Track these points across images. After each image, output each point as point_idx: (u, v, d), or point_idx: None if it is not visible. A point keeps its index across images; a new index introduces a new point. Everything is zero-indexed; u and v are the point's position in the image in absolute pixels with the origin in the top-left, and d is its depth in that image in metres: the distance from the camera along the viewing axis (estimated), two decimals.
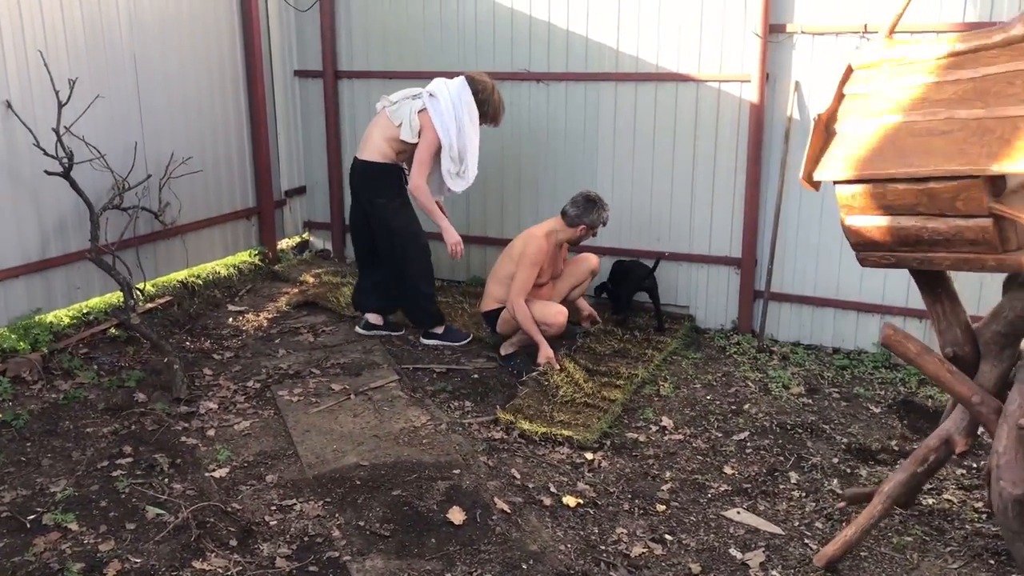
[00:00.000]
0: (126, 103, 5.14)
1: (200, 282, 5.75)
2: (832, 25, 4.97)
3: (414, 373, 4.74)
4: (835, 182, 2.85)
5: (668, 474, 3.77)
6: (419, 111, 4.86)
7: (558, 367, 4.63)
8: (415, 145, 4.88)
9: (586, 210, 4.85)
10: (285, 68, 6.43)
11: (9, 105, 4.43)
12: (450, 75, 5.92)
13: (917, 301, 5.06)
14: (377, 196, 4.97)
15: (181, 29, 5.47)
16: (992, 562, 3.10)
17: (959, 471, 3.79)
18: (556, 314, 4.73)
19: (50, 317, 4.82)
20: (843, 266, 5.22)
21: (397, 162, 4.98)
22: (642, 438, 4.09)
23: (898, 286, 5.11)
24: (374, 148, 4.94)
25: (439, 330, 5.19)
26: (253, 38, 5.99)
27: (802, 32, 5.05)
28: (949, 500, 3.53)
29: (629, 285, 5.44)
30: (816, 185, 2.94)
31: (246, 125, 6.11)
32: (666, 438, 4.10)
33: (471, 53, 5.91)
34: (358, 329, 5.26)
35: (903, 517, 3.43)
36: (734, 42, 5.22)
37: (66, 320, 4.88)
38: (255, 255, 6.34)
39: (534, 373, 4.64)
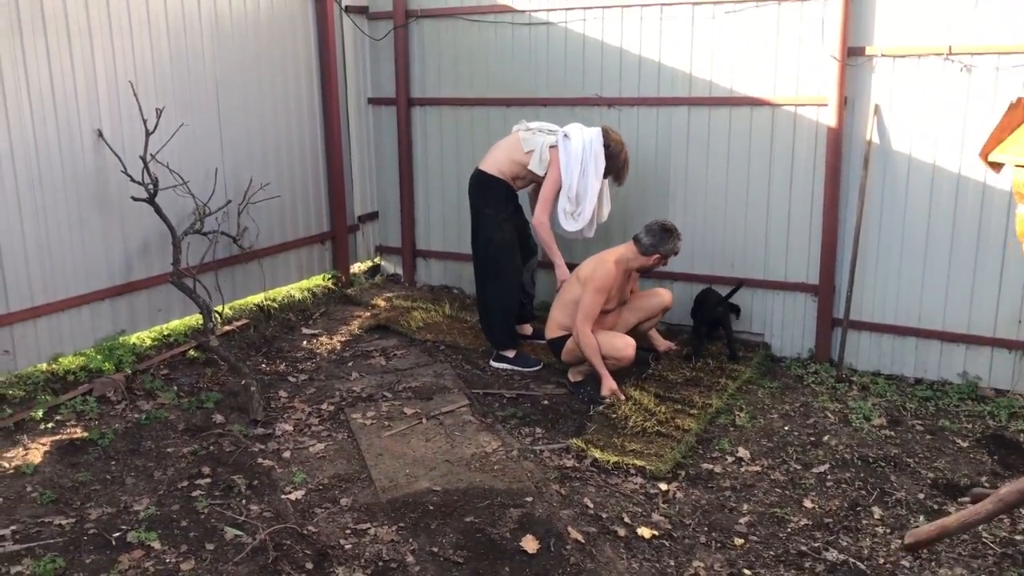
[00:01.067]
0: (208, 131, 5.30)
1: (275, 305, 5.86)
2: (914, 47, 4.86)
3: (484, 398, 4.73)
4: (1016, 165, 2.74)
5: (746, 507, 3.68)
6: (551, 146, 5.04)
7: (623, 398, 4.56)
8: (536, 175, 5.08)
9: (662, 240, 4.77)
10: (359, 96, 6.56)
11: (100, 134, 4.61)
12: (522, 102, 6.00)
13: (1004, 331, 4.89)
14: (486, 207, 5.16)
15: (261, 59, 5.63)
16: None
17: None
18: (625, 347, 4.65)
19: (133, 339, 4.97)
20: (925, 294, 5.06)
21: (512, 182, 5.16)
22: (718, 469, 4.00)
23: (985, 315, 4.93)
24: (495, 163, 5.14)
25: (510, 354, 5.20)
26: (329, 67, 6.12)
27: (882, 55, 4.94)
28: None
29: (703, 314, 5.36)
30: (995, 167, 2.82)
31: (321, 151, 6.24)
32: (743, 469, 4.01)
33: (543, 79, 5.94)
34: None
35: (996, 557, 3.27)
36: (811, 65, 5.13)
37: (148, 342, 5.02)
38: (328, 279, 6.45)
39: (604, 402, 4.59)
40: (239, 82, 5.48)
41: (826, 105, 5.10)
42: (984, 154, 2.80)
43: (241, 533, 3.27)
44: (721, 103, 5.42)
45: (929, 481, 3.88)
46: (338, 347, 5.46)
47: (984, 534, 3.44)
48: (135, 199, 4.66)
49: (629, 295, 5.10)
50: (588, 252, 5.86)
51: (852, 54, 5.00)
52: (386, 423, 4.34)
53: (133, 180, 4.62)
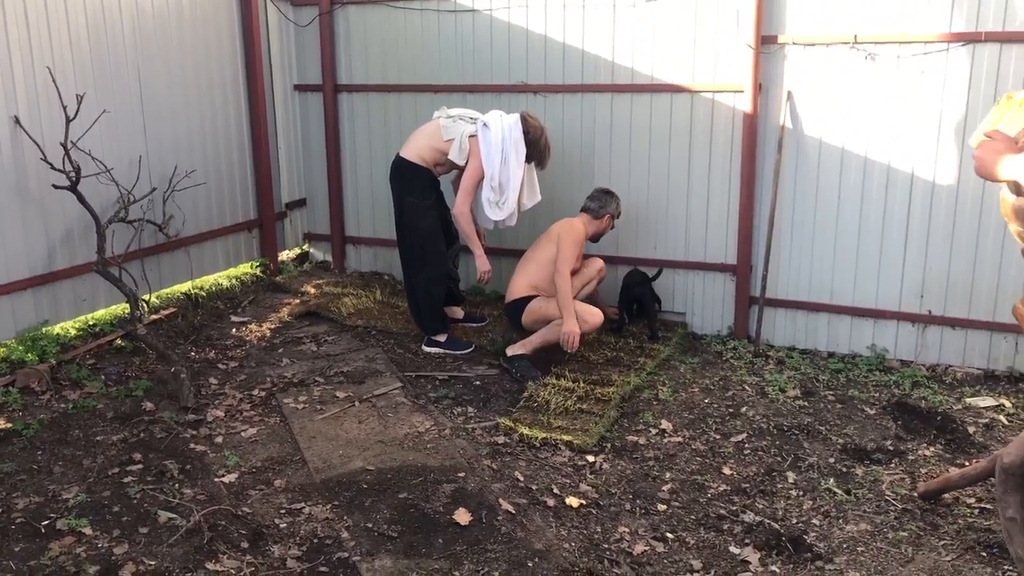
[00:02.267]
0: (130, 118, 5.23)
1: (203, 294, 5.83)
2: (823, 36, 5.09)
3: (417, 380, 4.81)
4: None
5: (668, 475, 3.85)
6: (470, 136, 5.05)
7: (574, 348, 4.75)
8: (456, 165, 5.13)
9: (606, 201, 5.24)
10: (285, 82, 6.53)
11: (17, 121, 4.52)
12: (449, 89, 6.06)
13: (908, 305, 5.19)
14: (409, 194, 5.17)
15: (184, 45, 5.57)
16: (984, 554, 3.18)
17: (952, 469, 3.87)
18: (594, 313, 4.91)
19: (57, 329, 4.89)
20: (836, 271, 5.32)
21: (433, 169, 5.18)
22: (642, 441, 4.17)
23: (891, 291, 5.22)
24: (416, 150, 5.15)
25: (442, 338, 5.27)
26: (254, 53, 6.09)
27: (793, 43, 5.16)
28: (943, 497, 3.61)
29: (626, 293, 5.53)
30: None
31: (247, 138, 6.21)
32: (665, 440, 4.18)
33: (469, 67, 6.01)
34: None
35: (898, 513, 3.51)
36: (727, 53, 5.33)
37: (73, 332, 4.95)
38: (256, 267, 6.42)
39: (537, 378, 4.72)
40: (162, 69, 5.42)
41: (742, 92, 5.30)
42: (975, 142, 2.91)
43: (175, 516, 3.30)
44: (642, 90, 5.58)
45: (839, 447, 4.12)
46: (268, 334, 5.46)
47: (887, 493, 3.68)
48: (56, 187, 4.59)
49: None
50: (517, 238, 6.00)
51: (766, 42, 5.21)
52: (319, 407, 4.39)
53: (54, 168, 4.54)
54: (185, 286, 5.78)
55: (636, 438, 4.19)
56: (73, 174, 4.56)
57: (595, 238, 5.35)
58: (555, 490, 3.66)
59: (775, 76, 5.26)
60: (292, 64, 6.57)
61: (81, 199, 4.66)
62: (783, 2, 5.15)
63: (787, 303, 5.50)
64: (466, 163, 5.09)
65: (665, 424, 4.33)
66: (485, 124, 5.06)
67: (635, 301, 5.53)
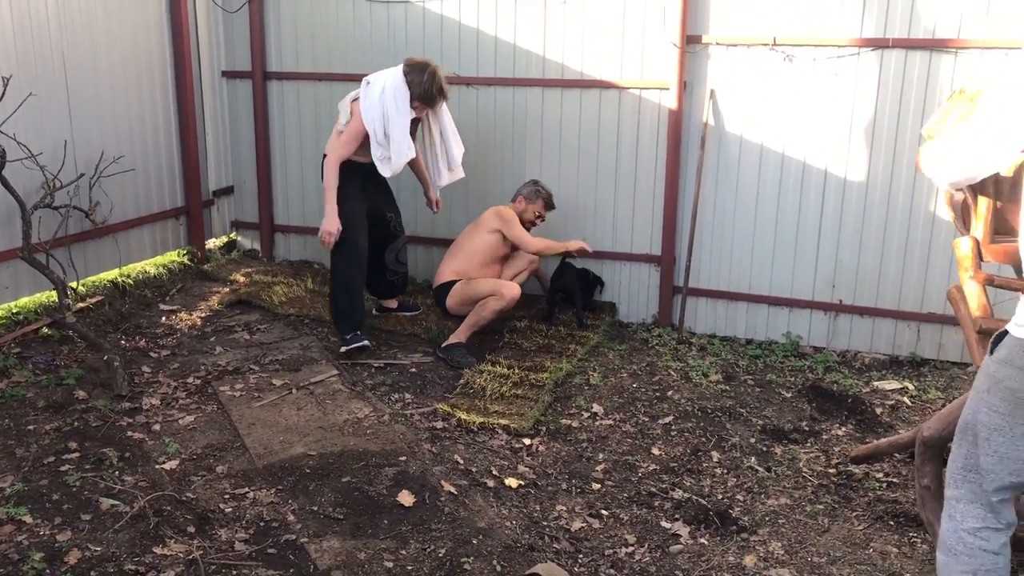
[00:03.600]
0: (55, 102, 5.11)
1: (131, 282, 5.73)
2: (744, 37, 5.33)
3: (353, 368, 4.87)
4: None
5: (601, 456, 4.03)
6: (353, 100, 4.94)
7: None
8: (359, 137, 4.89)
9: (537, 187, 5.52)
10: (213, 68, 6.45)
11: None
12: None
13: (821, 295, 5.50)
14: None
15: (110, 28, 5.46)
16: (892, 523, 3.46)
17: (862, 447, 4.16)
18: (511, 287, 5.12)
19: None
20: (754, 263, 5.60)
21: (351, 157, 4.92)
22: (575, 424, 4.34)
23: (805, 281, 5.52)
24: (329, 143, 5.02)
25: (348, 335, 5.01)
26: (182, 38, 6.00)
27: (716, 44, 5.40)
28: (853, 471, 3.89)
29: (556, 283, 5.70)
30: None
31: (175, 125, 6.12)
32: (597, 423, 4.36)
33: (401, 57, 6.02)
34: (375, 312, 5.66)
35: (814, 488, 3.77)
36: (654, 51, 5.53)
37: None
38: (184, 255, 6.34)
39: (471, 365, 4.85)
40: (87, 52, 5.30)
41: (668, 89, 5.51)
42: (927, 135, 3.10)
43: (118, 503, 3.30)
44: (572, 85, 5.74)
45: (759, 427, 4.37)
46: (199, 323, 5.42)
47: (804, 470, 3.94)
48: None
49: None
50: (451, 227, 6.09)
51: (691, 42, 5.42)
52: (256, 394, 4.41)
53: None
54: (112, 274, 5.68)
55: (570, 421, 4.36)
56: None
57: (530, 224, 5.54)
58: (494, 472, 3.79)
59: (699, 74, 5.49)
60: (220, 50, 6.49)
61: (5, 184, 4.54)
62: (707, 3, 5.38)
63: (708, 292, 5.75)
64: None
65: (596, 408, 4.51)
66: (368, 82, 4.90)
67: (561, 291, 5.69)
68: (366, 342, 4.97)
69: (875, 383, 4.98)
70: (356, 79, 6.09)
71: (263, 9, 6.31)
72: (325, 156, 4.95)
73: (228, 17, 6.41)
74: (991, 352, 2.35)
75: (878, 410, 4.60)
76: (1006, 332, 2.31)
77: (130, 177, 5.67)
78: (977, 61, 4.95)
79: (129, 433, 3.90)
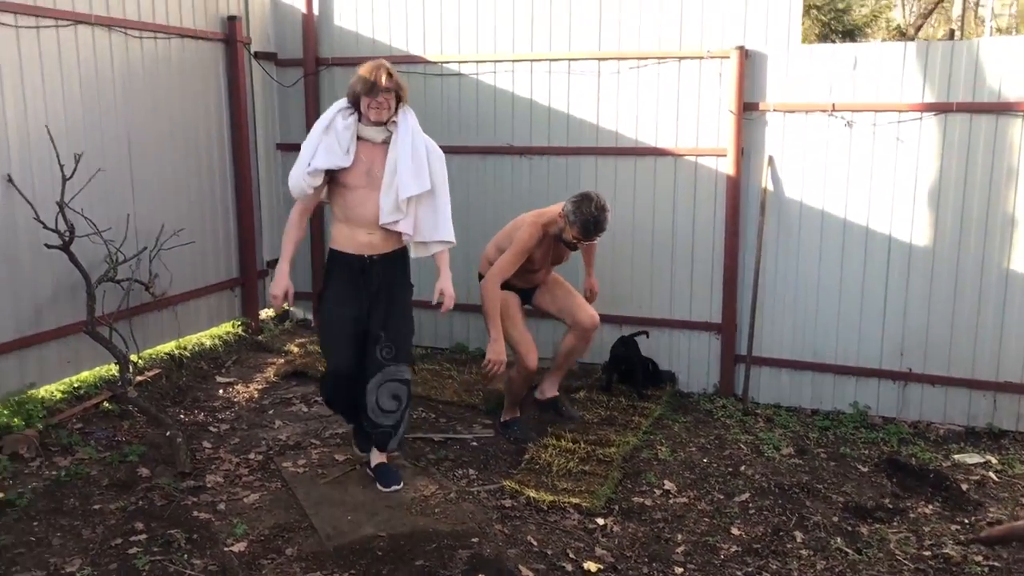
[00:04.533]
0: (120, 177, 5.17)
1: (187, 354, 5.71)
2: (802, 103, 5.30)
3: (414, 442, 4.77)
4: None
5: (680, 536, 3.87)
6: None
7: (498, 371, 4.34)
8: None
9: (579, 209, 4.43)
10: (268, 141, 6.53)
11: (10, 179, 4.43)
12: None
13: (889, 363, 5.34)
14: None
15: (172, 104, 5.55)
16: None
17: (953, 527, 3.97)
18: (528, 352, 4.58)
19: (42, 392, 4.74)
20: (819, 331, 5.47)
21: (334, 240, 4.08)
22: (648, 502, 4.19)
23: (872, 348, 5.37)
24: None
25: None
26: (240, 112, 6.09)
27: (774, 110, 5.37)
28: (950, 555, 3.70)
29: (610, 361, 5.60)
30: None
31: (231, 197, 6.17)
32: (671, 501, 4.21)
33: (455, 128, 6.09)
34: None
35: (911, 572, 3.58)
36: (710, 118, 5.51)
37: (58, 395, 4.80)
38: (238, 326, 6.33)
39: (534, 440, 4.73)
40: (150, 127, 5.38)
41: (725, 155, 5.47)
42: None
43: None
44: (626, 153, 5.72)
45: (840, 505, 4.19)
46: (256, 395, 5.37)
47: (897, 552, 3.75)
48: (49, 247, 4.49)
49: (562, 259, 4.92)
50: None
51: (747, 109, 5.40)
52: (319, 471, 4.31)
53: (46, 227, 4.46)
54: (168, 346, 5.66)
55: (642, 499, 4.21)
56: (67, 233, 4.48)
57: (566, 243, 4.62)
58: (571, 554, 3.65)
59: (757, 141, 5.45)
60: (275, 123, 6.57)
61: (73, 259, 4.57)
62: (764, 70, 5.36)
63: (771, 361, 5.61)
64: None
65: (668, 484, 4.36)
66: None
67: (621, 362, 5.57)
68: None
69: (955, 456, 4.79)
70: None
71: (318, 83, 6.40)
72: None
73: (283, 91, 6.51)
74: None
75: (964, 486, 4.40)
76: None
77: (187, 249, 5.70)
78: None
79: (195, 513, 3.81)
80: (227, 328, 6.26)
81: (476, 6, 5.90)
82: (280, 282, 3.97)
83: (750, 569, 3.61)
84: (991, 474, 4.55)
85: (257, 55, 6.28)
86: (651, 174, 5.70)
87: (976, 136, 5.03)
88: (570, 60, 5.73)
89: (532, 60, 5.81)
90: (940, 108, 5.07)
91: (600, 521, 3.96)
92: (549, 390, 5.06)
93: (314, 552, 3.55)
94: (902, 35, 13.45)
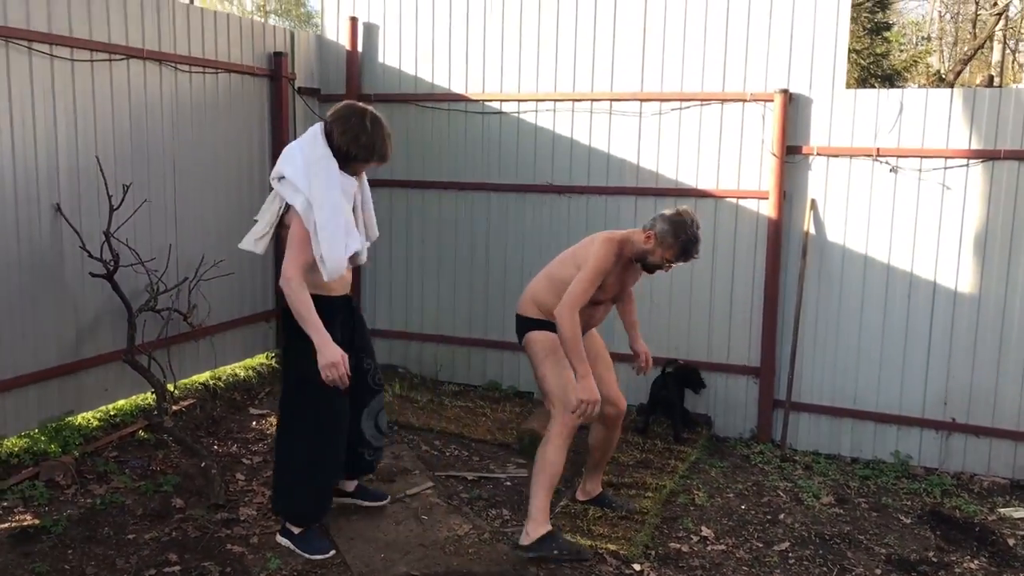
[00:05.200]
0: (164, 208, 5.23)
1: (221, 384, 5.73)
2: (846, 147, 5.27)
3: (447, 480, 4.72)
4: None
5: None
6: (280, 211, 3.64)
7: (593, 411, 3.70)
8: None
9: (676, 230, 3.81)
10: None
11: (59, 208, 4.51)
12: (474, 187, 6.15)
13: (931, 412, 5.23)
14: (299, 338, 3.61)
15: (217, 137, 5.63)
16: None
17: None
18: (594, 391, 3.69)
19: (79, 419, 4.77)
20: (860, 377, 5.37)
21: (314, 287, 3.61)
22: (685, 549, 4.10)
23: (914, 397, 5.26)
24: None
25: (296, 529, 3.80)
26: (282, 146, 6.12)
27: (817, 154, 5.33)
28: None
29: (650, 399, 5.54)
30: None
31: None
32: (709, 548, 4.11)
33: (495, 165, 6.12)
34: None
35: None
36: (752, 161, 5.49)
37: (94, 422, 4.83)
38: (271, 357, 6.35)
39: (583, 558, 3.87)
40: (194, 158, 5.46)
41: (767, 198, 5.44)
42: None
43: None
44: (666, 193, 5.70)
45: (883, 557, 4.07)
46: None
47: None
48: (94, 275, 4.55)
49: (629, 291, 4.30)
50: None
51: (790, 152, 5.37)
52: (352, 506, 4.28)
53: (91, 256, 4.52)
54: (203, 376, 5.68)
55: (679, 545, 4.12)
56: (112, 263, 4.53)
57: (645, 265, 3.98)
58: None
59: (799, 184, 5.41)
60: None
61: (116, 288, 4.61)
62: (808, 114, 5.34)
63: (810, 407, 5.51)
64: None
65: (706, 531, 4.27)
66: (281, 177, 3.56)
67: (660, 404, 5.51)
68: (332, 551, 3.77)
69: (1000, 510, 4.66)
70: (450, 187, 6.21)
71: None
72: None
73: None
74: None
75: (1010, 541, 4.27)
76: None
77: (225, 280, 5.73)
78: None
79: (228, 546, 3.79)
80: (260, 360, 6.27)
81: (519, 44, 5.95)
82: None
83: None
84: None
85: (301, 90, 6.36)
86: None
87: None
88: (612, 100, 5.75)
89: (574, 100, 5.83)
90: (987, 155, 5.01)
91: (637, 567, 3.88)
92: (593, 488, 4.42)
93: None
94: (941, 80, 13.38)
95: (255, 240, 3.70)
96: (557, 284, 3.91)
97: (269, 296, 6.30)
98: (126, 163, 4.92)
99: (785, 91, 5.30)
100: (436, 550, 3.88)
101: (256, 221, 3.72)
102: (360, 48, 6.37)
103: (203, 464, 4.40)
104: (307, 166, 3.49)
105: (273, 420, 5.45)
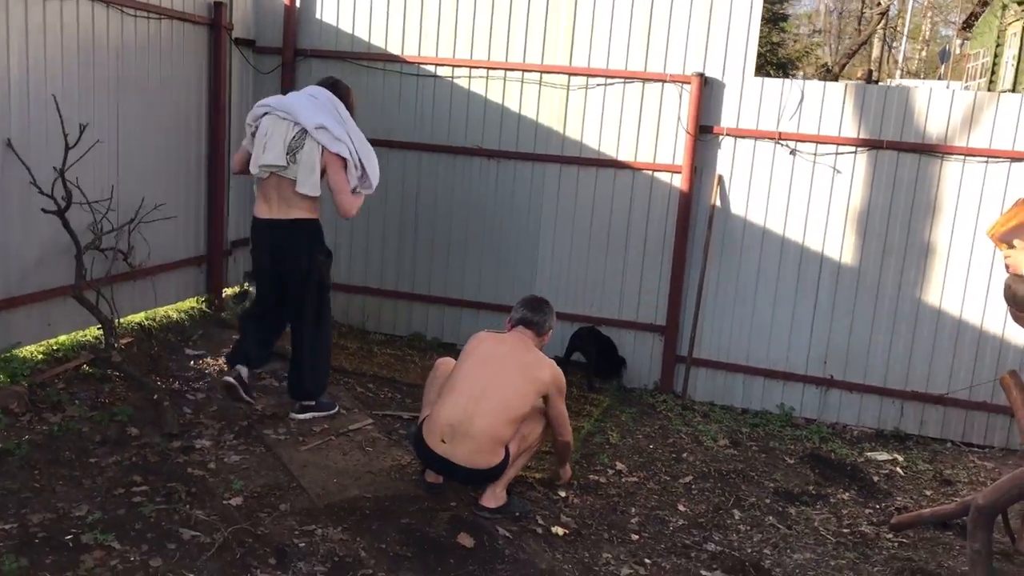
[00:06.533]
0: (108, 149, 5.32)
1: (156, 325, 5.87)
2: (752, 130, 5.85)
3: (384, 419, 5.08)
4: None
5: (633, 509, 4.31)
6: (320, 155, 4.47)
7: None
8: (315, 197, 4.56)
9: (550, 312, 4.22)
10: (242, 124, 6.70)
11: (9, 143, 4.57)
12: (405, 145, 6.42)
13: (813, 369, 5.93)
14: (319, 252, 4.70)
15: (159, 80, 5.71)
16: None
17: (867, 511, 4.53)
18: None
19: (23, 352, 4.87)
20: (753, 338, 6.02)
21: (317, 216, 4.67)
22: (603, 480, 4.62)
23: (799, 356, 5.95)
24: (302, 205, 4.58)
25: (326, 398, 4.98)
26: (220, 96, 6.28)
27: (727, 135, 5.90)
28: (865, 532, 4.25)
29: (567, 345, 6.04)
30: (996, 241, 3.51)
31: (204, 176, 6.35)
32: (623, 480, 4.65)
33: (428, 127, 6.42)
34: (228, 379, 4.71)
35: (834, 545, 4.11)
36: (667, 137, 6.01)
37: (39, 356, 4.93)
38: (203, 302, 6.50)
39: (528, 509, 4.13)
40: (137, 101, 5.54)
41: (680, 172, 5.98)
42: (991, 234, 3.48)
43: (198, 534, 3.45)
44: (589, 164, 6.17)
45: (771, 489, 4.71)
46: (226, 368, 5.56)
47: (820, 529, 4.28)
48: (46, 211, 4.64)
49: None
50: (465, 291, 6.38)
51: (703, 131, 5.92)
52: (300, 438, 4.59)
53: (42, 192, 4.60)
54: (139, 317, 5.81)
55: (597, 477, 4.64)
56: (64, 200, 4.63)
57: None
58: (540, 520, 4.04)
59: (709, 161, 5.98)
60: (250, 107, 6.74)
61: (67, 225, 4.71)
62: (720, 97, 5.89)
63: (709, 363, 6.14)
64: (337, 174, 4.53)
65: (620, 465, 4.80)
66: (322, 127, 4.46)
67: (578, 351, 6.01)
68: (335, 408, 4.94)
69: (867, 454, 5.39)
70: (384, 145, 6.46)
71: (295, 72, 6.64)
72: (337, 204, 4.63)
73: (259, 77, 6.72)
74: None
75: (875, 478, 4.99)
76: None
77: (160, 224, 5.85)
78: (960, 167, 5.53)
79: (189, 470, 4.05)
80: (192, 303, 6.42)
81: (455, 10, 6.25)
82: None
83: (696, 538, 4.07)
84: (898, 469, 5.16)
85: (237, 41, 6.47)
86: (610, 184, 6.16)
87: (901, 172, 5.67)
88: (542, 72, 6.15)
89: (506, 68, 6.20)
90: (872, 144, 5.68)
91: (562, 493, 4.36)
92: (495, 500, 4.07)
93: (306, 508, 3.84)
94: (828, 72, 14.39)
95: (313, 185, 4.55)
96: (516, 418, 3.92)
97: (202, 242, 6.44)
98: (72, 103, 4.98)
99: (701, 75, 5.83)
100: (383, 476, 4.25)
101: (286, 166, 4.53)
102: (298, 3, 6.52)
103: (155, 396, 4.60)
104: (344, 121, 4.60)
105: (210, 361, 5.65)
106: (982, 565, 3.39)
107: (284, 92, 6.53)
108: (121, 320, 5.54)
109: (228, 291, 6.95)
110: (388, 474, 4.28)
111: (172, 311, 6.18)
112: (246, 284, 7.09)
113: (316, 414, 4.89)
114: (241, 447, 4.42)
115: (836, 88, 5.79)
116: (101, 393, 4.78)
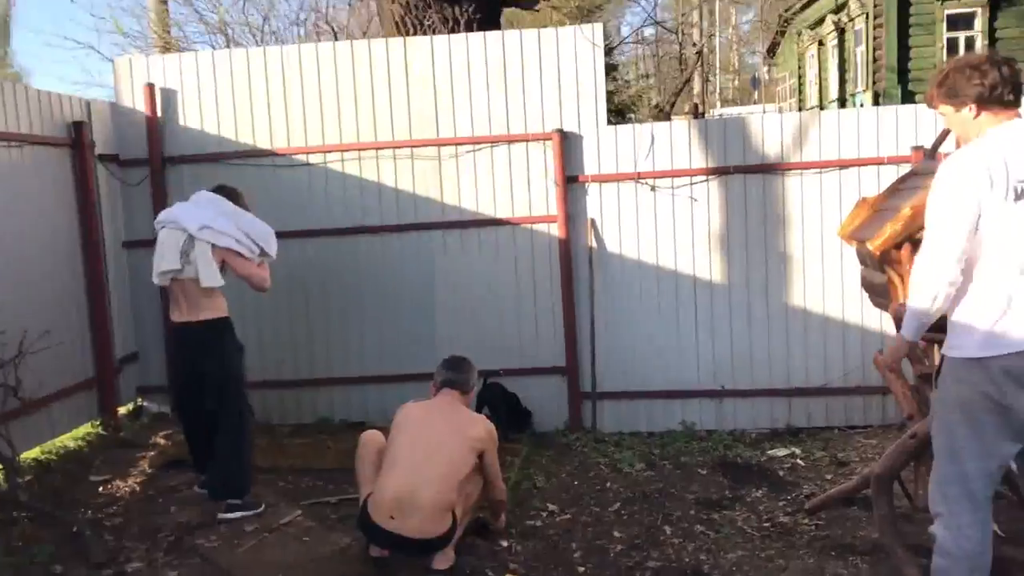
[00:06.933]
0: None
1: (54, 457, 5.67)
2: (613, 174, 6.30)
3: (312, 507, 5.09)
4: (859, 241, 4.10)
5: (574, 544, 4.51)
6: (213, 252, 4.80)
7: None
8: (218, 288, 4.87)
9: (471, 370, 4.55)
10: (116, 239, 6.64)
11: None
12: (288, 234, 6.44)
13: (705, 383, 6.35)
14: (232, 347, 4.97)
15: (27, 207, 5.62)
16: (833, 553, 4.18)
17: (780, 503, 4.91)
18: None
19: None
20: (647, 363, 6.39)
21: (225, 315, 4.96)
22: (539, 523, 4.80)
23: (690, 374, 6.37)
24: (209, 306, 4.89)
25: (239, 500, 4.90)
26: (90, 213, 6.20)
27: (591, 181, 6.32)
28: (784, 522, 4.61)
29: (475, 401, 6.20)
30: (847, 239, 4.22)
31: (84, 296, 6.22)
32: (557, 519, 4.85)
33: (309, 213, 6.54)
34: (197, 488, 5.12)
35: (760, 539, 4.43)
36: (539, 190, 6.37)
37: None
38: (98, 425, 6.31)
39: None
40: (7, 232, 5.43)
41: (555, 221, 6.34)
42: (841, 234, 4.29)
43: None
44: (470, 225, 6.45)
45: (692, 500, 5.02)
46: (138, 488, 5.43)
47: (744, 527, 4.60)
48: None
49: None
50: (365, 368, 6.48)
51: (570, 181, 6.32)
52: (234, 541, 4.55)
53: None
54: (35, 452, 5.60)
55: (533, 521, 4.82)
56: None
57: None
58: (490, 573, 4.17)
59: (580, 207, 6.37)
60: (120, 221, 6.70)
61: None
62: (580, 148, 6.32)
63: (611, 395, 6.46)
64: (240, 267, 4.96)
65: (552, 506, 5.00)
66: (205, 227, 4.78)
67: (486, 405, 6.20)
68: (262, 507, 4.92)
69: (769, 452, 5.81)
70: None
71: (164, 180, 6.63)
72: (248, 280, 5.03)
73: (127, 190, 6.67)
74: (936, 386, 3.12)
75: (780, 473, 5.40)
76: (940, 366, 3.07)
77: (47, 352, 5.69)
78: (799, 180, 6.14)
79: None
80: (87, 429, 6.22)
81: (319, 99, 6.45)
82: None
83: (637, 559, 4.30)
84: (798, 461, 5.60)
85: (101, 157, 6.43)
86: (494, 241, 6.45)
87: (750, 192, 6.23)
88: (412, 147, 6.41)
89: (376, 148, 6.43)
90: (720, 171, 6.23)
91: (504, 543, 4.52)
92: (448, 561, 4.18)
93: None
94: (660, 111, 15.43)
95: (213, 275, 4.84)
96: (461, 480, 4.06)
97: (89, 363, 6.27)
98: None
99: (560, 130, 6.25)
100: (328, 562, 4.28)
101: (181, 268, 4.83)
102: (159, 113, 6.55)
103: (74, 528, 4.47)
104: (229, 214, 4.92)
105: (119, 483, 5.50)
106: (889, 526, 3.77)
107: (155, 200, 6.57)
108: (20, 457, 5.33)
109: (123, 409, 6.77)
110: (332, 560, 4.31)
111: (68, 440, 5.99)
112: (140, 400, 6.93)
113: (244, 513, 4.85)
114: (175, 562, 4.35)
115: (681, 126, 6.33)
116: (11, 537, 4.59)
